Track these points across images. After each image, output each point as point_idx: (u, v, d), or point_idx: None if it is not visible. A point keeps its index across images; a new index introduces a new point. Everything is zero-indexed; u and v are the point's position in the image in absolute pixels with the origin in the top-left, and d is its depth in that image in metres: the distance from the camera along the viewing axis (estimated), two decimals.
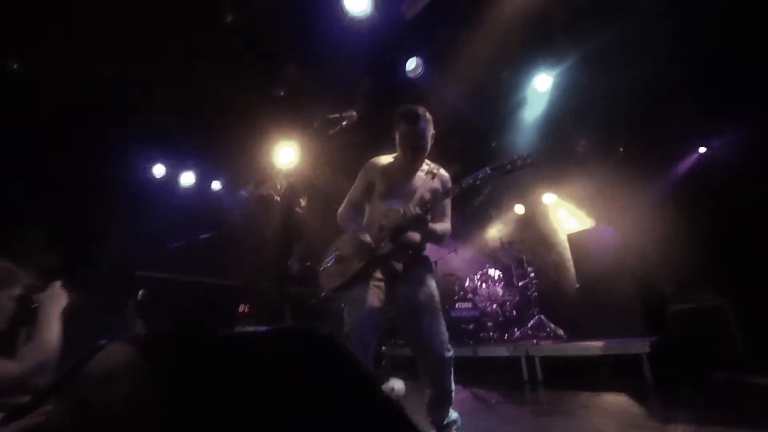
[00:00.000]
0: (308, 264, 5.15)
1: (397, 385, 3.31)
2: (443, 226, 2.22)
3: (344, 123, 2.17)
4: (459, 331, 5.19)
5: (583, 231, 5.07)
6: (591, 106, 4.90)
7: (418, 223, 2.05)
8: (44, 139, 4.39)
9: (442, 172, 2.30)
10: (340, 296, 2.28)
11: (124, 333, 4.67)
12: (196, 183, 6.08)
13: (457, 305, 5.45)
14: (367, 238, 2.12)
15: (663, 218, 5.02)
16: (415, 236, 2.16)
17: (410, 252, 2.19)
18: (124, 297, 4.87)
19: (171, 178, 5.92)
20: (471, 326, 5.25)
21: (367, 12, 3.56)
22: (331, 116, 2.11)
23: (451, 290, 5.88)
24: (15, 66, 4.22)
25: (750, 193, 4.45)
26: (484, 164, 6.71)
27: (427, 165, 2.28)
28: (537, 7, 3.71)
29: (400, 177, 2.23)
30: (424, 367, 2.15)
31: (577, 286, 4.97)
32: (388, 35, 3.88)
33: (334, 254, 2.29)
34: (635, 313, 4.15)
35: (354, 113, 2.19)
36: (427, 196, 2.16)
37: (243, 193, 6.52)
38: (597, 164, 5.65)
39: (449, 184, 2.27)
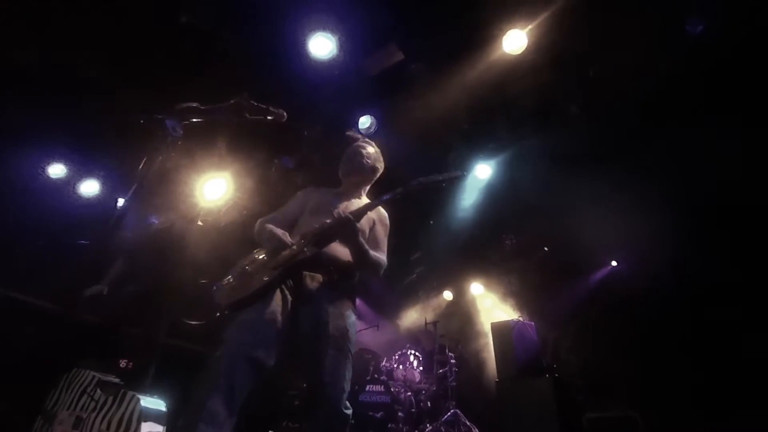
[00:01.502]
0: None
1: None
2: (377, 254, 1.97)
3: (269, 117, 1.88)
4: (365, 419, 4.49)
5: (507, 322, 4.97)
6: (523, 204, 5.20)
7: (347, 229, 1.79)
8: None
9: (382, 209, 2.15)
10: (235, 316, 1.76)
11: None
12: (99, 194, 5.24)
13: (367, 387, 4.81)
14: (287, 236, 1.86)
15: (580, 323, 5.14)
16: (342, 249, 1.88)
17: (332, 268, 1.85)
18: None
19: (70, 181, 5.07)
20: (379, 414, 4.58)
21: (330, 57, 3.60)
22: (257, 104, 1.81)
23: (365, 369, 5.27)
24: None
25: (654, 308, 4.76)
26: (418, 240, 6.63)
27: (368, 198, 2.22)
28: (485, 97, 4.03)
29: (336, 198, 2.11)
30: (313, 426, 1.64)
31: (497, 380, 4.68)
32: (347, 86, 3.93)
33: (238, 268, 1.90)
34: (552, 417, 3.90)
35: (284, 113, 1.93)
36: (364, 225, 1.98)
37: (153, 219, 5.72)
38: (523, 260, 5.86)
39: (387, 220, 2.14)
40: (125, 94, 3.89)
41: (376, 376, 4.97)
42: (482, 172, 5.17)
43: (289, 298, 1.75)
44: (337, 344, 1.69)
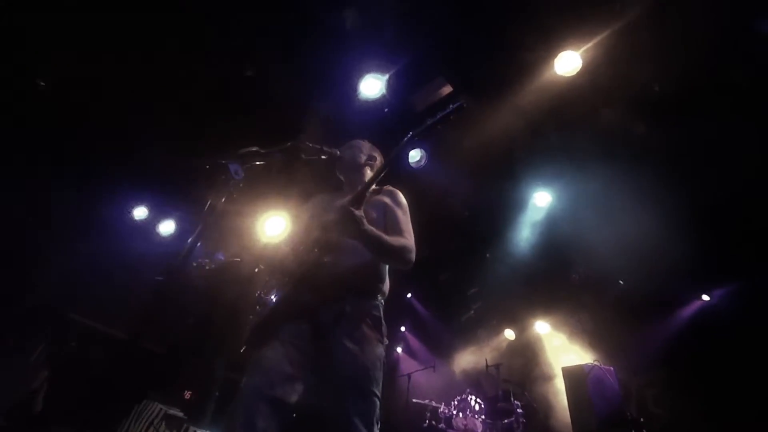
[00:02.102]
0: None
1: None
2: (396, 238, 1.66)
3: (323, 157, 1.92)
4: None
5: (580, 366, 4.43)
6: (591, 233, 4.77)
7: (345, 220, 1.52)
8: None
9: (391, 188, 1.89)
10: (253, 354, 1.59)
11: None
12: (175, 233, 5.74)
13: None
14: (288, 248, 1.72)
15: (670, 368, 4.45)
16: (351, 256, 1.61)
17: (343, 285, 1.59)
18: (42, 337, 4.12)
19: (152, 222, 5.63)
20: None
21: (379, 96, 3.71)
22: (311, 144, 1.86)
23: (421, 415, 4.95)
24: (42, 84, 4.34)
25: (758, 350, 3.99)
26: (475, 274, 6.32)
27: (376, 187, 1.89)
28: (539, 121, 3.86)
29: (338, 197, 1.90)
30: None
31: None
32: (396, 122, 4.00)
33: (259, 295, 1.77)
34: None
35: (338, 152, 1.97)
36: (370, 211, 1.72)
37: (220, 256, 6.12)
38: (594, 295, 5.29)
39: (398, 197, 1.83)
40: (195, 142, 4.29)
41: (433, 423, 4.65)
42: (541, 199, 4.87)
43: (304, 327, 1.55)
44: (357, 388, 1.45)
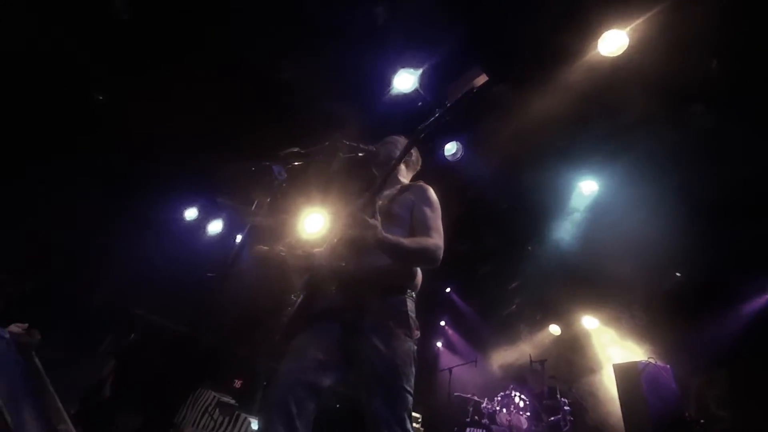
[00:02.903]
0: None
1: None
2: (418, 240, 1.60)
3: (360, 154, 1.95)
4: None
5: (634, 363, 4.19)
6: (642, 222, 4.48)
7: (360, 227, 1.48)
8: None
9: (422, 184, 1.82)
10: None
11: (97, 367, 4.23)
12: (222, 231, 6.06)
13: (468, 430, 4.45)
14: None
15: (734, 367, 4.11)
16: (374, 255, 1.56)
17: (367, 283, 1.58)
18: (108, 332, 4.52)
19: (201, 223, 5.97)
20: None
21: (413, 90, 3.69)
22: (349, 143, 1.90)
23: (464, 410, 4.91)
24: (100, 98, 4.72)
25: None
26: (516, 268, 6.11)
27: (404, 183, 1.92)
28: (581, 106, 3.66)
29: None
30: None
31: None
32: (430, 116, 3.96)
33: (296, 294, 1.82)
34: None
35: (374, 149, 1.99)
36: (398, 209, 1.70)
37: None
38: (648, 290, 4.97)
39: (427, 194, 1.76)
40: (240, 145, 4.49)
41: (476, 418, 4.59)
42: (587, 188, 4.63)
43: (334, 325, 1.58)
44: (385, 383, 1.45)
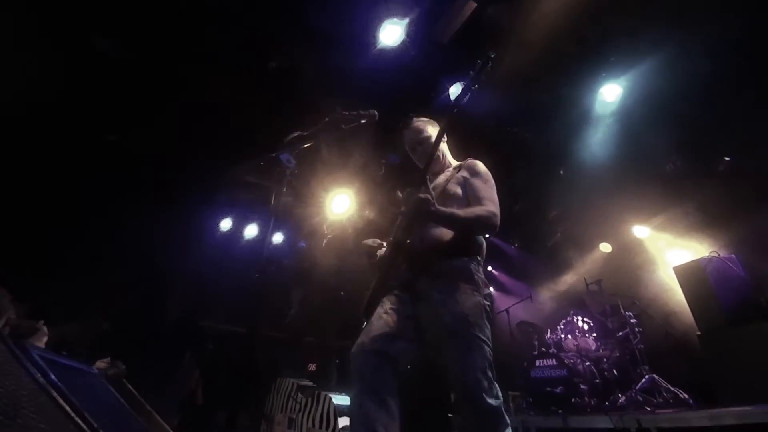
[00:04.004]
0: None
1: None
2: (472, 209, 1.71)
3: (362, 121, 1.89)
4: (543, 396, 4.22)
5: (696, 261, 4.02)
6: (677, 112, 4.14)
7: (415, 207, 1.62)
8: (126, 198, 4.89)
9: (472, 160, 1.94)
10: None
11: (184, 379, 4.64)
12: (258, 235, 6.26)
13: (537, 362, 4.51)
14: (376, 241, 1.87)
15: None
16: (433, 229, 1.74)
17: (429, 254, 1.70)
18: (185, 346, 4.91)
19: (236, 230, 6.19)
20: (558, 389, 4.23)
21: (401, 41, 3.50)
22: (347, 112, 1.84)
23: (529, 343, 4.97)
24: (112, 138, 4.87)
25: None
26: (551, 196, 5.91)
27: (456, 162, 2.02)
28: (592, 8, 3.33)
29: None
30: (463, 425, 1.54)
31: (698, 334, 3.83)
32: (424, 64, 3.77)
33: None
34: None
35: (374, 112, 1.92)
36: (453, 188, 1.82)
37: (301, 243, 6.55)
38: (698, 182, 4.66)
39: (476, 168, 1.87)
40: (252, 139, 4.49)
41: (543, 349, 4.63)
42: (610, 93, 4.30)
43: (404, 296, 1.71)
44: (458, 334, 1.53)
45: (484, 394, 1.45)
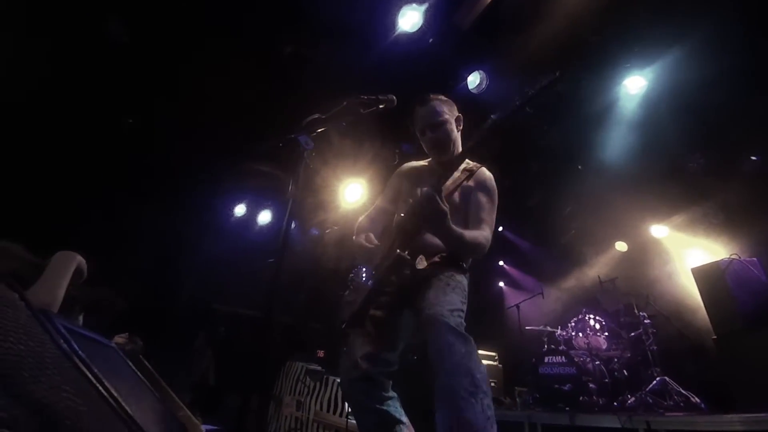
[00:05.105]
0: None
1: None
2: (474, 234, 1.65)
3: (381, 106, 1.86)
4: (550, 393, 4.20)
5: (715, 263, 3.91)
6: (703, 107, 3.99)
7: (428, 214, 1.51)
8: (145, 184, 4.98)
9: (483, 170, 1.85)
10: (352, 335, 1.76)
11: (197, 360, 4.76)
12: (271, 221, 6.32)
13: (546, 359, 4.48)
14: (372, 239, 1.74)
15: None
16: (431, 237, 1.69)
17: (429, 254, 1.66)
18: (198, 328, 5.02)
19: (250, 216, 6.25)
20: (566, 387, 4.20)
21: (419, 27, 3.45)
22: (366, 97, 1.82)
23: (537, 342, 4.94)
24: (130, 121, 4.94)
25: None
26: (566, 193, 5.81)
27: (466, 164, 1.86)
28: None
29: (426, 173, 1.87)
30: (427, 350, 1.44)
31: (714, 337, 3.75)
32: (443, 51, 3.71)
33: (354, 280, 1.87)
34: None
35: (393, 97, 1.89)
36: (458, 198, 1.76)
37: (314, 231, 6.58)
38: (721, 181, 4.52)
39: (486, 183, 1.81)
40: (267, 126, 4.51)
41: (553, 346, 4.60)
42: (633, 85, 4.17)
43: (389, 302, 1.68)
44: (435, 290, 1.53)
45: (448, 319, 1.39)
